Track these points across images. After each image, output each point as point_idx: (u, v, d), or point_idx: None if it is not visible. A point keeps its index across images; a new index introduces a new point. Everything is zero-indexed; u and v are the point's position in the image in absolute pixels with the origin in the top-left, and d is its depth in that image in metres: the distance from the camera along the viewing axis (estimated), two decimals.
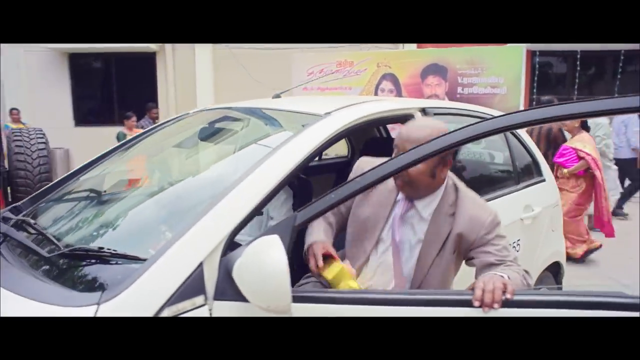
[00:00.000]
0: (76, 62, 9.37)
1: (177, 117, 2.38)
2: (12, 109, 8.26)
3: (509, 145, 2.52)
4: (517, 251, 2.33)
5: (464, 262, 1.66)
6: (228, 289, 1.19)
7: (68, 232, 1.57)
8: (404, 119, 1.95)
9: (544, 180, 2.63)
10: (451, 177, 1.66)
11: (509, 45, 6.55)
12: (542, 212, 2.51)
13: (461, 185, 1.68)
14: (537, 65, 9.08)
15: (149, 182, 1.84)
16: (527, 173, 2.62)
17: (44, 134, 3.50)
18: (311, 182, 2.61)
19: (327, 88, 7.70)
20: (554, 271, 2.82)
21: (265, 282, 1.11)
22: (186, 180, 1.83)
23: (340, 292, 1.33)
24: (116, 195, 1.83)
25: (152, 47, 8.77)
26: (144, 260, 1.22)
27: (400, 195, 1.66)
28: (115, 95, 9.49)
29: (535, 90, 9.16)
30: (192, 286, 1.18)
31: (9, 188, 3.30)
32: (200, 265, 1.20)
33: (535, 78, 9.03)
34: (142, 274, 1.16)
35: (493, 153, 2.81)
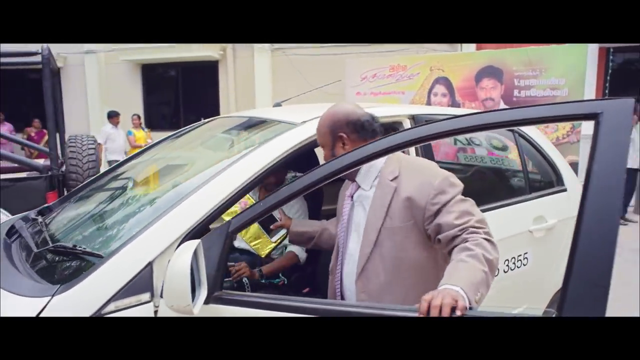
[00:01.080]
0: (147, 72, 10.08)
1: (193, 125, 2.54)
2: (133, 115, 8.51)
3: (519, 151, 2.40)
4: (525, 265, 2.23)
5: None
6: None
7: (60, 231, 1.75)
8: (392, 126, 1.94)
9: (565, 190, 2.47)
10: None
11: (571, 44, 6.15)
12: (560, 224, 2.36)
13: (405, 155, 1.65)
14: (610, 64, 8.42)
15: (134, 186, 1.99)
16: (543, 181, 2.48)
17: (94, 141, 3.87)
18: (322, 190, 2.66)
19: (380, 93, 7.67)
20: None
21: (171, 283, 1.18)
22: (162, 185, 1.95)
23: (258, 297, 1.38)
24: (104, 198, 2.00)
25: (214, 55, 9.23)
26: (102, 257, 1.34)
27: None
28: (181, 101, 10.09)
29: (607, 92, 8.51)
30: (140, 284, 1.27)
31: (64, 189, 3.69)
32: (150, 264, 1.29)
33: (608, 78, 8.38)
34: (96, 269, 1.27)
35: (503, 158, 2.69)
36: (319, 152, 2.54)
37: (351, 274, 1.58)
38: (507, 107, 6.49)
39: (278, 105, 2.79)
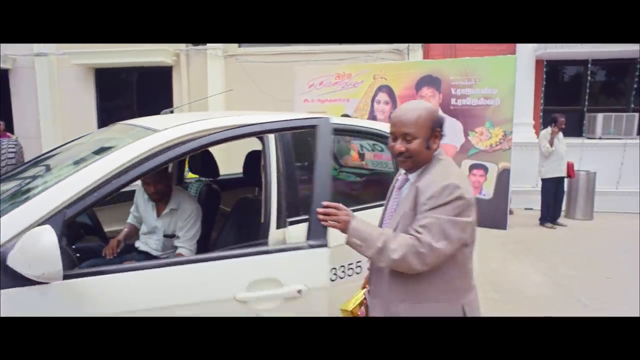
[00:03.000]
0: (101, 77, 10.02)
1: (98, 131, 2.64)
2: None
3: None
4: (358, 274, 2.36)
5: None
6: (3, 279, 1.40)
7: None
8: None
9: None
10: (442, 152, 1.76)
11: (501, 56, 6.47)
12: None
13: (445, 156, 1.77)
14: (544, 76, 8.83)
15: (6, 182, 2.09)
16: None
17: (16, 144, 3.91)
18: (220, 193, 2.77)
19: (327, 100, 7.85)
20: None
21: (39, 256, 1.40)
22: (29, 184, 2.04)
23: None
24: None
25: (167, 61, 9.26)
26: None
27: (399, 175, 1.84)
28: (135, 106, 10.07)
29: (542, 102, 8.91)
30: None
31: None
32: None
33: (542, 89, 8.78)
34: None
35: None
36: (219, 154, 2.67)
37: None
38: (444, 114, 6.74)
39: (170, 112, 2.91)
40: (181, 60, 9.45)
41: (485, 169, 6.52)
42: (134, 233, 2.84)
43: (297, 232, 1.88)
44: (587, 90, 8.59)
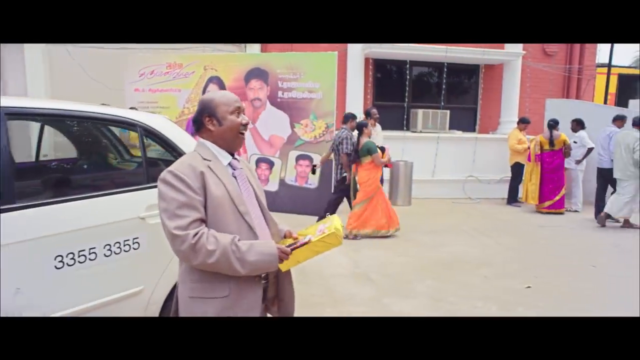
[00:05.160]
0: None
1: None
2: None
3: (143, 145, 2.57)
4: (136, 249, 2.38)
5: None
6: None
7: None
8: None
9: None
10: None
11: (323, 52, 6.82)
12: None
13: None
14: (370, 73, 9.55)
15: None
16: None
17: None
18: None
19: (158, 90, 7.58)
20: None
21: None
22: None
23: None
24: None
25: None
26: None
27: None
28: None
29: (373, 97, 9.63)
30: None
31: None
32: None
33: (369, 85, 9.50)
34: None
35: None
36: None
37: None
38: (272, 106, 6.89)
39: None
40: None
41: (311, 160, 6.85)
42: None
43: None
44: (407, 88, 9.45)
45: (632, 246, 5.70)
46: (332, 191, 6.52)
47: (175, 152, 2.67)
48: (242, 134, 1.71)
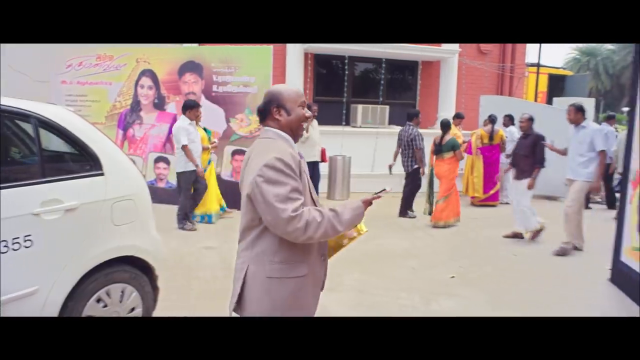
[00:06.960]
0: None
1: None
2: None
3: (38, 137, 2.43)
4: (27, 247, 2.25)
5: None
6: None
7: None
8: None
9: (101, 174, 2.60)
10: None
11: (258, 46, 6.72)
12: (87, 206, 2.48)
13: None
14: (310, 69, 9.57)
15: None
16: (67, 167, 2.59)
17: None
18: None
19: (87, 82, 7.24)
20: (142, 266, 2.83)
21: None
22: None
23: None
24: None
25: None
26: None
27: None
28: None
29: (313, 93, 9.66)
30: None
31: None
32: None
33: (309, 80, 9.52)
34: None
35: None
36: None
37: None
38: (207, 100, 6.74)
39: None
40: None
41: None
42: None
43: None
44: (346, 84, 9.55)
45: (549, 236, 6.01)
46: (404, 184, 7.01)
47: (77, 145, 2.55)
48: (302, 125, 1.87)
